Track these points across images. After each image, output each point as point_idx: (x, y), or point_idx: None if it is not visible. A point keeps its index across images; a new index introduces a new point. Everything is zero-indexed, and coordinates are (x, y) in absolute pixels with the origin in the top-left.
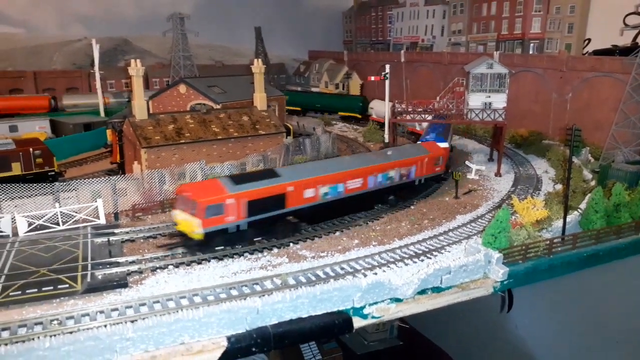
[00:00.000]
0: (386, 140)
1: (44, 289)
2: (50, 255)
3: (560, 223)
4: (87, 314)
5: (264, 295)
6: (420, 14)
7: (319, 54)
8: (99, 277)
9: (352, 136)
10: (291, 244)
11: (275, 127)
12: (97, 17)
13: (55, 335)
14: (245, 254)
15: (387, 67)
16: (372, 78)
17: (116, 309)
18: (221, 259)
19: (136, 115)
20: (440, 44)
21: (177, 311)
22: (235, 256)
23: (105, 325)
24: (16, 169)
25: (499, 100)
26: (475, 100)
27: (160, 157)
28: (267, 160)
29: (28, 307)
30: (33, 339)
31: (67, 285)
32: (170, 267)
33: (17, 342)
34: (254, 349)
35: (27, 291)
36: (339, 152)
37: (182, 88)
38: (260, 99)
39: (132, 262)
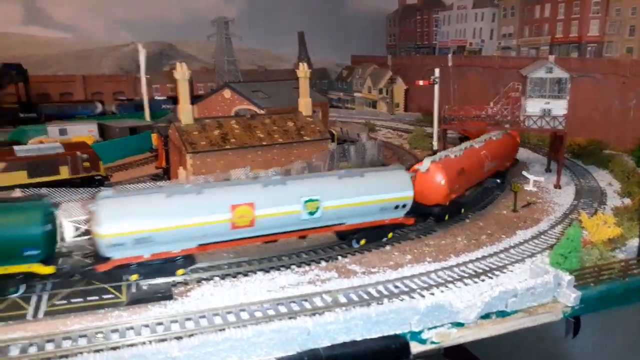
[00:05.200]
0: (435, 147)
1: (89, 298)
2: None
3: (635, 242)
4: (132, 327)
5: (315, 315)
6: (468, 17)
7: (362, 58)
8: (144, 287)
9: (398, 143)
10: (340, 258)
11: (320, 133)
12: (143, 22)
13: (99, 351)
14: (292, 267)
15: (437, 71)
16: (421, 82)
17: (161, 323)
18: (268, 272)
19: (182, 119)
20: (489, 47)
21: (225, 329)
22: (282, 268)
23: (151, 342)
24: (64, 172)
25: (559, 107)
26: (533, 106)
27: (206, 162)
28: (312, 167)
29: (73, 317)
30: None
31: (112, 296)
32: (216, 278)
33: (61, 357)
34: None
35: (72, 300)
36: (385, 159)
37: (227, 93)
38: (305, 105)
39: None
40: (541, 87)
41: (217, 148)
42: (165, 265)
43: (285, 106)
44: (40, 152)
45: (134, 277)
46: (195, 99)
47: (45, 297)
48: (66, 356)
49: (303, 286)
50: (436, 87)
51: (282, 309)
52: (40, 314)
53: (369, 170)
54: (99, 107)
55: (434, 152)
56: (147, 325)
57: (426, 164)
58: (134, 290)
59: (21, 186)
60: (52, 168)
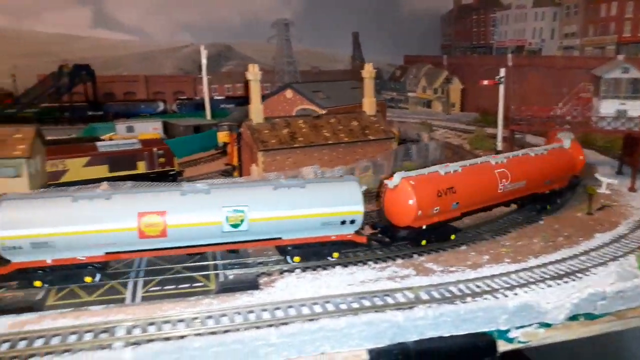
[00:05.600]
0: (499, 148)
1: (180, 286)
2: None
3: None
4: (225, 314)
5: (404, 310)
6: (527, 16)
7: (416, 58)
8: (230, 277)
9: (457, 143)
10: (415, 256)
11: (384, 133)
12: (203, 24)
13: (201, 335)
14: (369, 263)
15: (502, 70)
16: (485, 82)
17: (252, 311)
18: (346, 266)
19: (253, 118)
20: (550, 47)
21: (319, 319)
22: (359, 264)
23: (246, 329)
24: (141, 167)
25: (636, 108)
26: (608, 107)
27: (276, 160)
28: (377, 166)
29: (167, 303)
30: (183, 337)
31: (201, 284)
32: (298, 270)
33: (165, 339)
34: None
35: (165, 287)
36: (447, 159)
37: (289, 93)
38: (369, 104)
39: (260, 264)
40: (616, 87)
41: (286, 146)
42: (72, 272)
43: (344, 106)
44: (120, 148)
45: (37, 283)
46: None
47: (140, 283)
48: (168, 338)
49: (383, 282)
50: (501, 86)
51: (366, 303)
52: (138, 299)
53: (313, 181)
54: (161, 106)
55: (497, 154)
56: (239, 313)
57: (396, 179)
58: (221, 279)
59: (102, 179)
60: (131, 163)
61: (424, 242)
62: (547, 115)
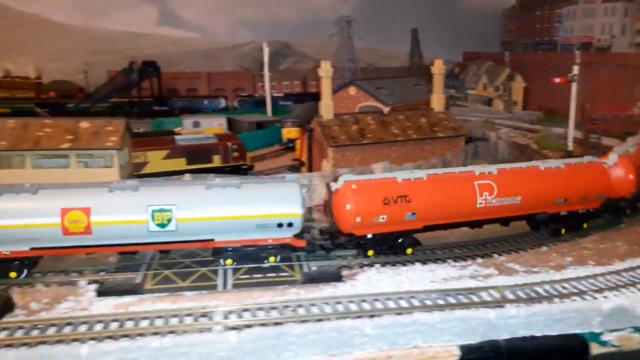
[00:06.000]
0: (570, 148)
1: (268, 275)
2: None
3: None
4: (314, 304)
5: (496, 308)
6: (596, 11)
7: (476, 55)
8: (314, 268)
9: (523, 142)
10: (495, 255)
11: (453, 130)
12: (262, 22)
13: (304, 322)
14: (449, 261)
15: (576, 68)
16: (557, 80)
17: (340, 302)
18: (425, 263)
19: (323, 115)
20: (620, 44)
21: (412, 312)
22: (438, 261)
23: (336, 318)
24: (216, 161)
25: None
26: None
27: (345, 156)
28: (446, 163)
29: (256, 291)
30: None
31: (287, 274)
32: (377, 265)
33: (262, 325)
34: None
35: (254, 276)
36: (515, 159)
37: (352, 90)
38: (438, 100)
39: (339, 257)
40: None
41: (355, 142)
42: None
43: (408, 103)
44: (197, 142)
45: None
46: (308, 96)
47: (229, 271)
48: (265, 324)
49: (465, 280)
50: (574, 85)
51: (451, 300)
52: (229, 286)
53: (250, 181)
54: (223, 103)
55: (569, 154)
56: (327, 303)
57: (340, 181)
58: (305, 270)
59: (180, 172)
60: (207, 156)
61: (370, 253)
62: (624, 115)
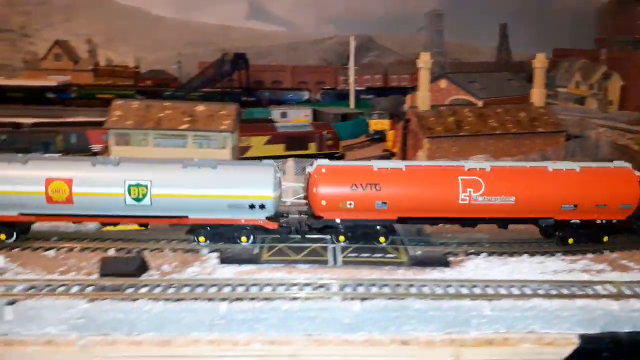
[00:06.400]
0: None
1: (375, 255)
2: None
3: None
4: (425, 285)
5: (620, 300)
6: None
7: (568, 52)
8: (419, 253)
9: (622, 142)
10: (606, 252)
11: (554, 126)
12: (347, 17)
13: (424, 299)
14: (557, 254)
15: None
16: None
17: (450, 285)
18: (533, 255)
19: (419, 106)
20: None
21: (531, 298)
22: (546, 254)
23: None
24: (312, 148)
25: None
26: None
27: (440, 147)
28: (546, 159)
29: (364, 269)
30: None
31: (393, 256)
32: (483, 254)
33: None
34: (604, 354)
35: (361, 255)
36: (615, 159)
37: (443, 83)
38: (539, 95)
39: (442, 244)
40: None
41: (451, 134)
42: None
43: (501, 97)
44: (295, 130)
45: None
46: (389, 90)
47: (338, 248)
48: (369, 298)
49: (577, 273)
50: None
51: (565, 292)
52: (339, 262)
53: (227, 163)
54: (306, 95)
55: None
56: (438, 285)
57: (314, 165)
58: (411, 253)
59: (279, 157)
60: (304, 144)
61: (342, 239)
62: None
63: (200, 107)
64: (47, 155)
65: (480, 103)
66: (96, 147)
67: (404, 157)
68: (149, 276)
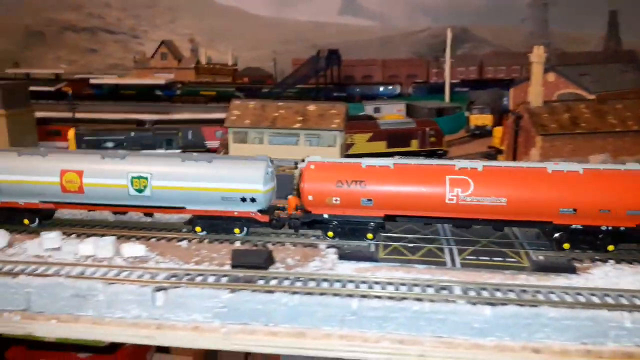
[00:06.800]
0: None
1: (494, 258)
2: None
3: None
4: (553, 292)
5: None
6: None
7: None
8: (541, 258)
9: None
10: None
11: None
12: (441, 8)
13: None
14: None
15: None
16: None
17: (580, 294)
18: None
19: (532, 101)
20: None
21: None
22: None
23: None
24: (414, 145)
25: None
26: None
27: (554, 146)
28: None
29: (484, 272)
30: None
31: (514, 260)
32: (611, 261)
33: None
34: None
35: (480, 258)
36: None
37: (551, 76)
38: None
39: (565, 250)
40: None
41: (566, 132)
42: (15, 214)
43: (617, 91)
44: (397, 126)
45: None
46: (485, 83)
47: (455, 250)
48: (492, 304)
49: None
50: None
51: None
52: (457, 264)
53: (221, 158)
54: (398, 89)
55: None
56: (566, 292)
57: (306, 161)
58: (533, 258)
59: (380, 154)
60: (406, 141)
61: (330, 234)
62: None
63: (312, 107)
64: (63, 149)
65: (592, 97)
66: (210, 144)
67: (514, 155)
68: (276, 269)
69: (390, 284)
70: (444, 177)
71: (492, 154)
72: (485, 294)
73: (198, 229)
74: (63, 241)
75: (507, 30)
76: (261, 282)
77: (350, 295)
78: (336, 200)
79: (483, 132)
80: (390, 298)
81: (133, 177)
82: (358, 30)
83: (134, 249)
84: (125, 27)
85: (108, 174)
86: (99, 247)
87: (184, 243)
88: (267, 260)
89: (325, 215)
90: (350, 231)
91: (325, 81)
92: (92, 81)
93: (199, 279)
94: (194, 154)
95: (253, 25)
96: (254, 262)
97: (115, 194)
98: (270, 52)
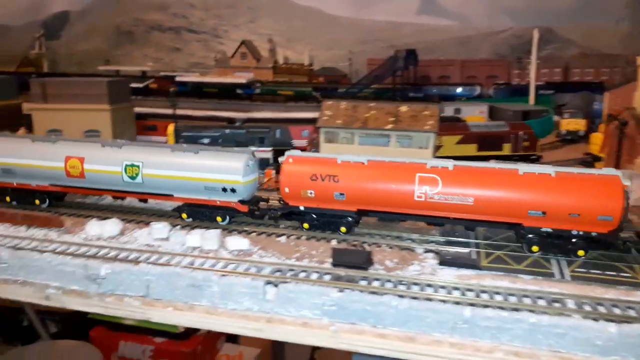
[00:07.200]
0: None
1: (607, 272)
2: None
3: None
4: None
5: None
6: None
7: None
8: None
9: None
10: None
11: None
12: (524, 8)
13: None
14: None
15: None
16: None
17: None
18: None
19: (638, 107)
20: None
21: None
22: None
23: None
24: (506, 149)
25: None
26: None
27: None
28: None
29: (597, 287)
30: None
31: (629, 275)
32: None
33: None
34: None
35: (591, 271)
36: None
37: None
38: None
39: None
40: None
41: None
42: (28, 195)
43: None
44: (489, 129)
45: (7, 198)
46: (570, 86)
47: (563, 262)
48: (613, 320)
49: None
50: None
51: None
52: (566, 277)
53: (208, 149)
54: (477, 90)
55: None
56: None
57: (286, 154)
58: None
59: (470, 158)
60: (497, 144)
61: (306, 226)
62: None
63: (404, 108)
64: (69, 138)
65: None
66: (297, 142)
67: (616, 164)
68: (375, 270)
69: (497, 293)
70: (414, 175)
71: (588, 161)
72: (601, 309)
73: (184, 215)
74: (171, 232)
75: (597, 30)
76: (363, 282)
77: (458, 303)
78: (311, 193)
79: (575, 138)
80: (501, 308)
81: (127, 165)
82: (435, 30)
83: (238, 242)
84: (208, 26)
85: (105, 161)
86: (205, 239)
87: (283, 239)
88: (367, 261)
89: (302, 208)
90: (325, 224)
91: (402, 81)
92: (177, 79)
93: (302, 275)
94: (184, 145)
95: (330, 26)
96: (355, 262)
97: (111, 180)
98: (345, 52)
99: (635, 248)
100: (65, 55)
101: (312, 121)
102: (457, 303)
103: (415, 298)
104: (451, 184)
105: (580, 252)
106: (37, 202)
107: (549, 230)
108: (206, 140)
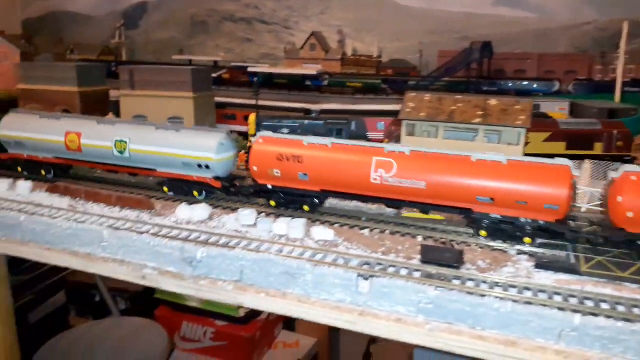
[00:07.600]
0: None
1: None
2: None
3: None
4: None
5: None
6: None
7: None
8: None
9: None
10: None
11: None
12: None
13: None
14: None
15: None
16: None
17: None
18: None
19: None
20: None
21: None
22: None
23: None
24: (597, 148)
25: None
26: None
27: None
28: None
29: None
30: None
31: None
32: None
33: None
34: None
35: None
36: None
37: None
38: None
39: None
40: None
41: None
42: (35, 165)
43: None
44: (579, 127)
45: (19, 169)
46: None
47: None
48: None
49: None
50: None
51: None
52: None
53: (187, 128)
54: (556, 85)
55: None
56: None
57: (257, 136)
58: None
59: (559, 155)
60: (588, 143)
61: (272, 203)
62: None
63: (493, 101)
64: (70, 114)
65: None
66: (372, 134)
67: None
68: (466, 270)
69: (602, 301)
70: (371, 158)
71: None
72: (620, 308)
73: (165, 189)
74: (257, 219)
75: None
76: (456, 281)
77: (562, 309)
78: (277, 172)
79: None
80: (610, 317)
81: (116, 140)
82: (511, 22)
83: (323, 232)
84: (279, 17)
85: (99, 137)
86: (292, 227)
87: (366, 232)
88: (459, 260)
89: (269, 186)
90: (291, 202)
91: (471, 74)
92: (249, 69)
93: (390, 269)
94: (167, 122)
95: (401, 16)
96: (446, 260)
97: (103, 154)
98: (415, 43)
99: (585, 238)
100: (142, 44)
101: (381, 113)
102: (561, 309)
103: (515, 301)
104: (405, 168)
105: (527, 239)
106: (42, 172)
107: (498, 216)
108: (285, 130)
